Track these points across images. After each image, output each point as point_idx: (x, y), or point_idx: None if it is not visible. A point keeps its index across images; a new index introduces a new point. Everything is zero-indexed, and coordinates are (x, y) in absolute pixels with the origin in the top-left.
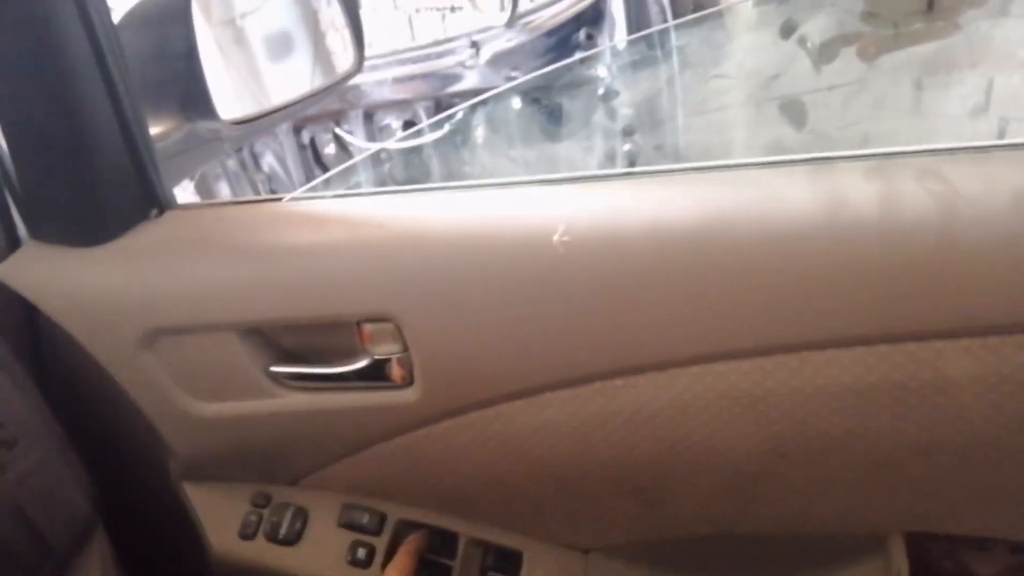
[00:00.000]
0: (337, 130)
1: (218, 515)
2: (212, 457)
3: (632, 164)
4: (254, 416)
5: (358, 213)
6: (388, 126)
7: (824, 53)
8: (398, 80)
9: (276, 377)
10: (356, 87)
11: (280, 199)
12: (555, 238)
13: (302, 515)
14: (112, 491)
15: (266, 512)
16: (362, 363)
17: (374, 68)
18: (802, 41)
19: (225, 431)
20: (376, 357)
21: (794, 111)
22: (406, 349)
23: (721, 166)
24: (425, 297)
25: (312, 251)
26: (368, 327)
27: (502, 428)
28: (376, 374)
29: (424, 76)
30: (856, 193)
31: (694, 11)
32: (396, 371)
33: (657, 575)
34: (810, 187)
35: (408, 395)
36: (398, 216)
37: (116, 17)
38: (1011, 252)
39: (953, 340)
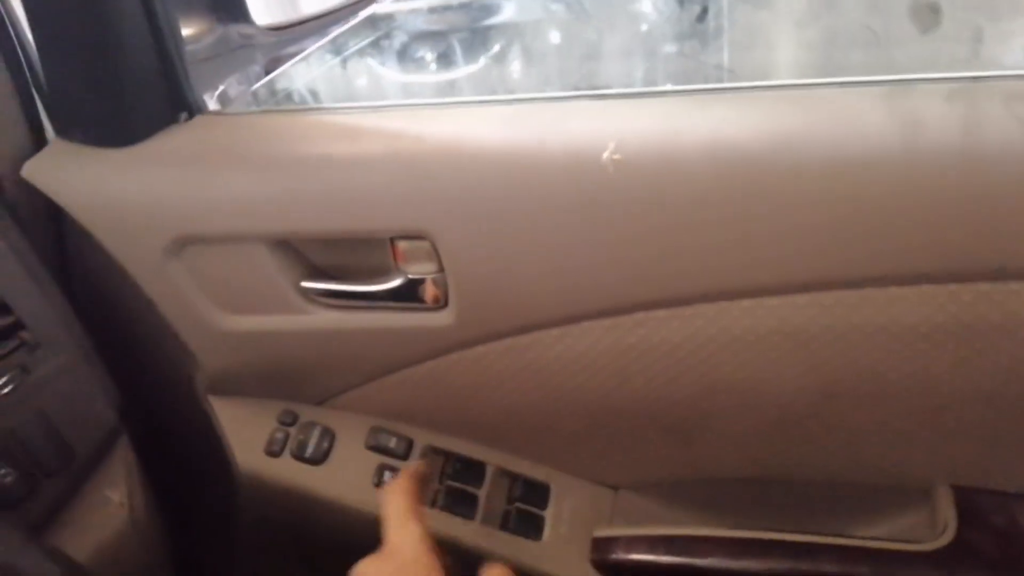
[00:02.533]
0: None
1: (245, 431)
2: (239, 371)
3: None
4: (282, 332)
5: (396, 125)
6: (422, 58)
7: None
8: (433, 10)
9: (306, 292)
10: (390, 16)
11: (315, 109)
12: (604, 156)
13: (329, 435)
14: (137, 401)
15: (293, 430)
16: (395, 282)
17: None
18: None
19: (252, 345)
20: (410, 276)
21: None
22: (441, 269)
23: (788, 85)
24: (463, 215)
25: (347, 163)
26: (402, 244)
27: (537, 356)
28: (409, 294)
29: (460, 6)
30: (936, 117)
31: None
32: (430, 292)
33: (689, 516)
34: (885, 110)
35: (442, 317)
36: (437, 129)
37: None
38: None
39: None
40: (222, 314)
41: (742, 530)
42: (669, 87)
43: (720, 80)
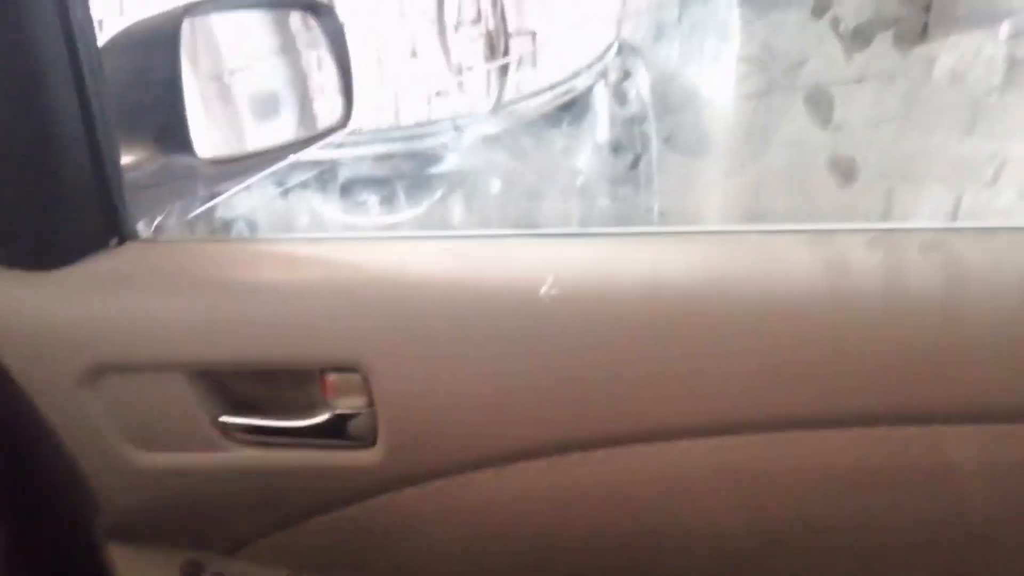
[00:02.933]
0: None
1: None
2: (145, 514)
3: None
4: (196, 470)
5: (332, 256)
6: (365, 202)
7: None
8: (379, 157)
9: (225, 428)
10: (336, 161)
11: (250, 239)
12: (543, 291)
13: None
14: (27, 545)
15: None
16: (321, 417)
17: (356, 144)
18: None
19: (162, 485)
20: (338, 412)
21: (820, 103)
22: (371, 404)
23: (719, 230)
24: (397, 347)
25: (278, 291)
26: (332, 377)
27: (470, 499)
28: (336, 431)
29: (405, 155)
30: (858, 263)
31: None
32: (359, 428)
33: None
34: (810, 254)
35: (370, 456)
36: (375, 261)
37: (105, 38)
38: (1017, 333)
39: (957, 425)
40: (134, 450)
41: None
42: (605, 228)
43: (652, 223)
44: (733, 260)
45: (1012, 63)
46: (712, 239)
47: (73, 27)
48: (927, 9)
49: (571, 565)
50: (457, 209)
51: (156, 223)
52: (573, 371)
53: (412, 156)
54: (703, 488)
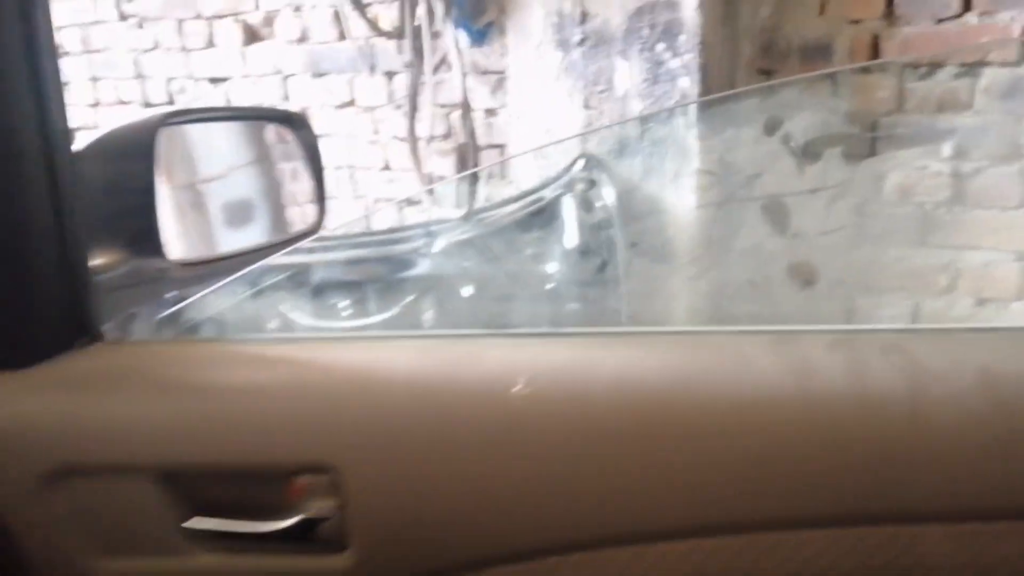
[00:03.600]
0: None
1: None
2: None
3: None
4: None
5: (302, 356)
6: (336, 305)
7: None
8: (351, 261)
9: (190, 533)
10: (308, 265)
11: (219, 339)
12: (514, 390)
13: None
14: None
15: None
16: (289, 522)
17: (327, 249)
18: (786, 140)
19: None
20: (306, 516)
21: (777, 212)
22: (342, 507)
23: (684, 331)
24: (368, 447)
25: (247, 392)
26: (300, 480)
27: None
28: (305, 535)
29: (377, 260)
30: (821, 363)
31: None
32: (329, 532)
33: None
34: (775, 354)
35: (341, 561)
36: (346, 360)
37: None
38: (981, 433)
39: (932, 524)
40: (94, 555)
41: None
42: (575, 328)
43: (621, 323)
44: (700, 359)
45: (956, 179)
46: (679, 339)
47: (49, 130)
48: (873, 127)
49: None
50: (429, 312)
51: (125, 324)
52: (547, 472)
53: (384, 260)
54: None
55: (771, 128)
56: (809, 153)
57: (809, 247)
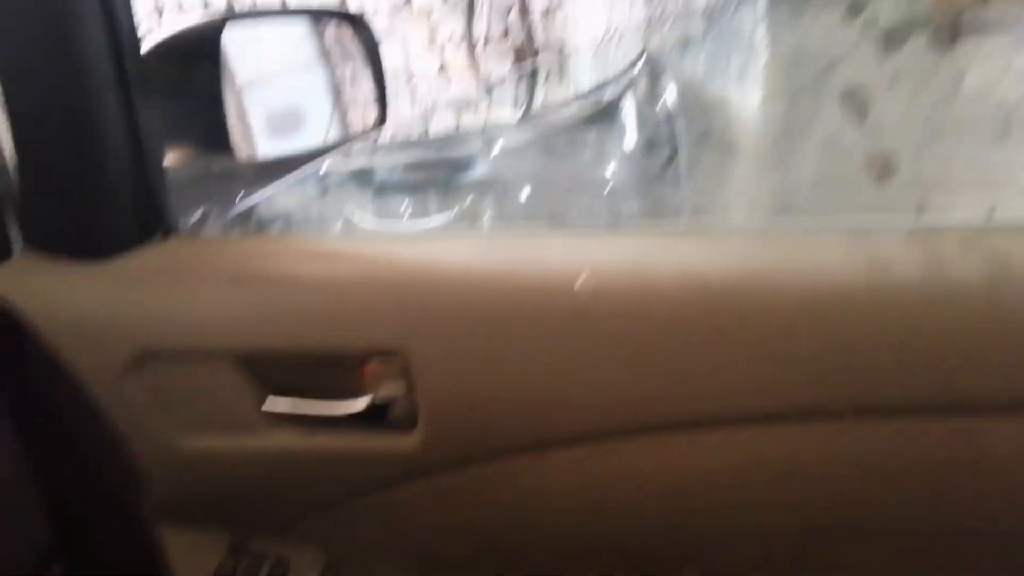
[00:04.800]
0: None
1: (190, 563)
2: (190, 496)
3: None
4: (239, 453)
5: (369, 252)
6: (397, 207)
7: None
8: (411, 165)
9: (267, 413)
10: (370, 167)
11: (287, 236)
12: (577, 284)
13: (281, 569)
14: (78, 525)
15: (242, 563)
16: (361, 403)
17: (389, 152)
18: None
19: (207, 468)
20: (378, 397)
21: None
22: (411, 390)
23: (752, 227)
24: (437, 334)
25: (319, 283)
26: (372, 364)
27: (507, 486)
28: (376, 416)
29: (436, 163)
30: (896, 258)
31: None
32: (398, 414)
33: None
34: (847, 250)
35: (409, 440)
36: (412, 256)
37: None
38: None
39: (1001, 417)
40: (178, 434)
41: None
42: (639, 224)
43: (686, 220)
44: (767, 255)
45: None
46: (746, 234)
47: (118, 33)
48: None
49: (606, 552)
50: (488, 213)
51: (197, 220)
52: (608, 362)
53: (443, 163)
54: (740, 478)
55: (854, 11)
56: (891, 40)
57: (886, 140)
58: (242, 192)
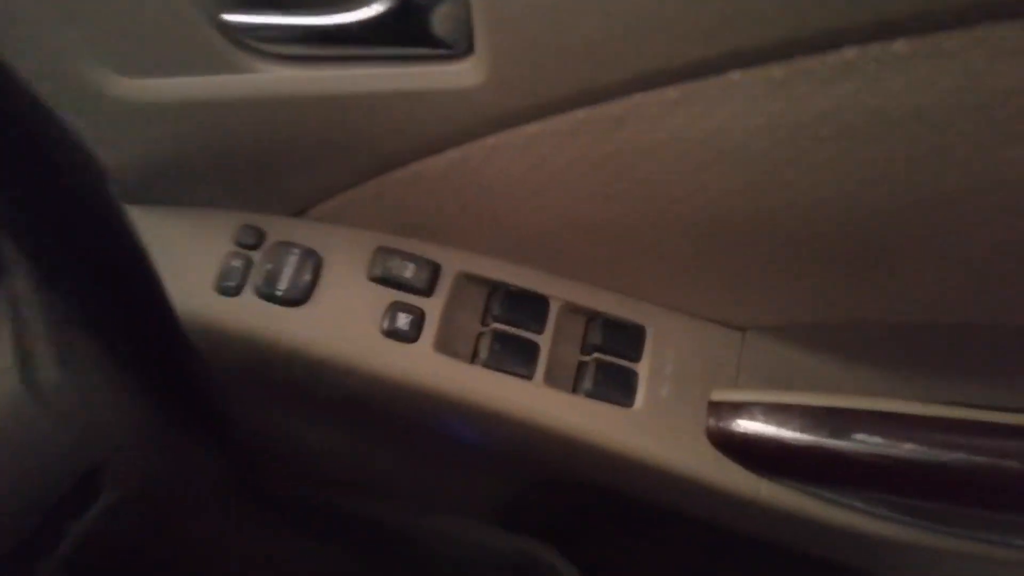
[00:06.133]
0: None
1: (183, 257)
2: (162, 168)
3: None
4: (209, 102)
5: None
6: None
7: None
8: None
9: (235, 34)
10: None
11: None
12: None
13: (313, 261)
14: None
15: (258, 255)
16: (381, 6)
17: None
18: None
19: (168, 124)
20: None
21: None
22: None
23: None
24: None
25: None
26: None
27: (613, 137)
28: (409, 32)
29: None
30: None
31: None
32: (446, 27)
33: (845, 370)
34: None
35: (464, 71)
36: None
37: None
38: None
39: None
40: (114, 76)
41: (935, 404)
42: None
43: None
44: None
45: None
46: None
47: None
48: None
49: (759, 232)
50: None
51: None
52: None
53: None
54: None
55: None
56: None
57: None
58: None
